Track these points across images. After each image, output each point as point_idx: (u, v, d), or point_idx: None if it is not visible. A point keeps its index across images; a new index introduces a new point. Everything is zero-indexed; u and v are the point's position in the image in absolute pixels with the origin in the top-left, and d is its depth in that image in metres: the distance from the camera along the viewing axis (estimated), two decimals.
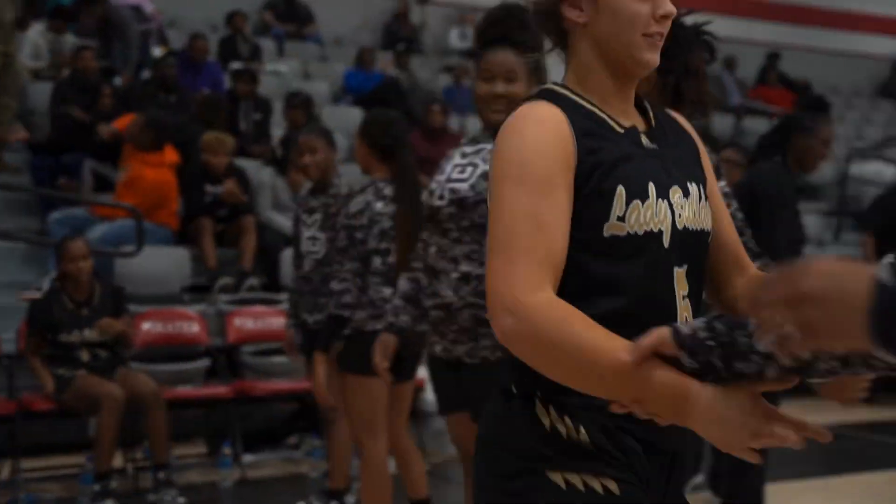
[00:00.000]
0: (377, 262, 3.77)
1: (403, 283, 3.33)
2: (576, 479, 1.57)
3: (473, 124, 8.10)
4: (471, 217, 2.93)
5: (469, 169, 2.99)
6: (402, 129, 4.00)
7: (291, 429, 6.10)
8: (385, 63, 10.80)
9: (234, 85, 8.57)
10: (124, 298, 5.36)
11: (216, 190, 7.00)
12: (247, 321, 6.26)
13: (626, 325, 1.47)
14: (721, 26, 2.81)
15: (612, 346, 1.43)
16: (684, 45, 2.45)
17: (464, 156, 3.05)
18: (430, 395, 5.91)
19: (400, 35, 11.86)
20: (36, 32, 8.78)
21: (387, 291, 3.70)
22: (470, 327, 2.93)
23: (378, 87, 10.03)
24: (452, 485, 5.42)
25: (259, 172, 7.64)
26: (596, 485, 1.57)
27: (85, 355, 5.07)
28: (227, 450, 5.47)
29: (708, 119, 2.74)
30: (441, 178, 3.05)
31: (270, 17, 11.41)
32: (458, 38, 12.29)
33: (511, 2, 2.98)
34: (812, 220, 9.92)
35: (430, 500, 4.14)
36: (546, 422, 1.60)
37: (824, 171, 11.34)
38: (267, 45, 10.86)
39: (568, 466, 1.58)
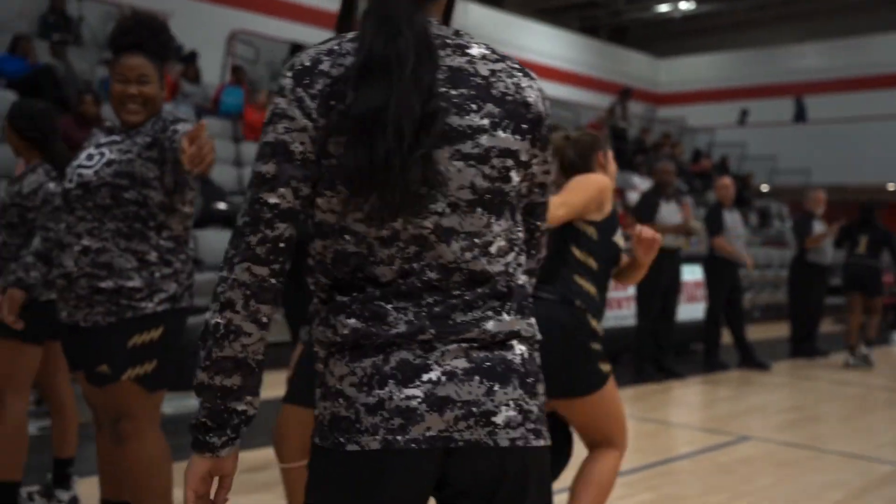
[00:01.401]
0: (37, 241, 3.63)
1: (37, 242, 3.29)
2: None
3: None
4: (93, 199, 2.97)
5: (97, 157, 3.02)
6: (50, 119, 3.84)
7: None
8: (40, 51, 10.11)
9: None
10: None
11: None
12: None
13: None
14: None
15: None
16: None
17: (97, 146, 3.07)
18: None
19: (56, 26, 11.15)
20: None
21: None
22: (86, 295, 2.96)
23: (32, 73, 9.37)
24: (92, 441, 5.26)
25: None
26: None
27: None
28: None
29: None
30: (73, 163, 3.08)
31: None
32: None
33: (143, 12, 3.08)
34: None
35: (73, 460, 4.05)
36: None
37: None
38: None
39: None
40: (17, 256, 3.63)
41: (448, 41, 1.45)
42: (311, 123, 1.39)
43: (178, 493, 3.26)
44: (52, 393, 3.97)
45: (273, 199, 1.39)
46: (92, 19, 12.04)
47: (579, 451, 3.32)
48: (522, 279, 1.49)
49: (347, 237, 1.41)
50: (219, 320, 1.41)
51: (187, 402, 6.31)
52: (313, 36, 14.27)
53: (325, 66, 1.40)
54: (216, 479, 1.48)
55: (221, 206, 8.75)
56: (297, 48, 13.54)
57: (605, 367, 3.13)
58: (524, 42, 19.82)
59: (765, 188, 20.80)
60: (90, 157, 3.03)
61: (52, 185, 3.66)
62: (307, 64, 1.41)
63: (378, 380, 1.37)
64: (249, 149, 10.79)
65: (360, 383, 1.38)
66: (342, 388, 1.40)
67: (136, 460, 3.00)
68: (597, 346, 3.11)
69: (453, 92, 1.40)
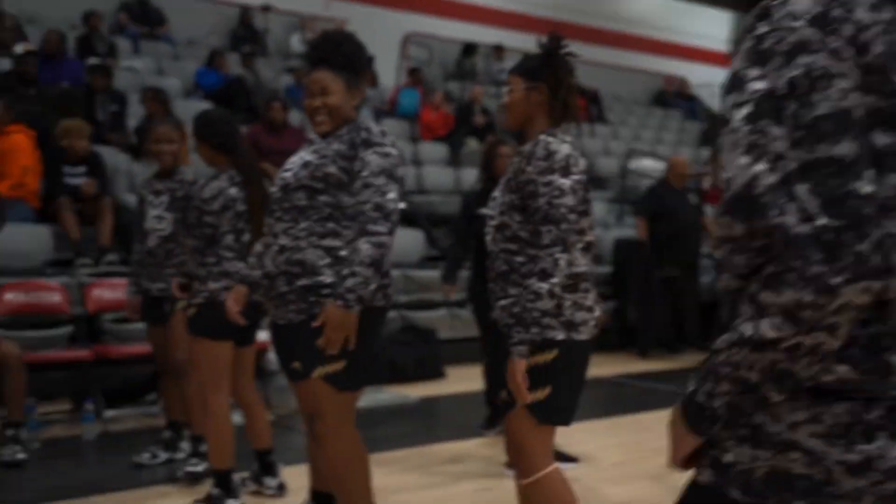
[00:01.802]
0: (229, 239, 3.83)
1: (257, 246, 3.41)
2: None
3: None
4: (290, 200, 3.04)
5: (297, 161, 3.09)
6: (230, 125, 4.01)
7: (149, 387, 6.04)
8: (232, 63, 10.67)
9: (90, 79, 8.30)
10: None
11: (75, 171, 6.83)
12: (105, 292, 6.14)
13: None
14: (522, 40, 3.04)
15: None
16: (566, 69, 2.75)
17: (302, 151, 3.15)
18: (272, 355, 5.98)
19: (245, 39, 11.74)
20: None
21: (240, 265, 3.79)
22: (284, 293, 3.02)
23: (225, 85, 9.92)
24: (295, 433, 5.52)
25: (115, 158, 7.47)
26: None
27: None
28: (89, 406, 5.38)
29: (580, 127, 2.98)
30: (281, 170, 3.18)
31: (125, 18, 11.05)
32: (298, 43, 12.25)
33: (330, 30, 3.17)
34: (599, 206, 10.48)
35: (273, 450, 4.22)
36: None
37: (610, 166, 12.02)
38: (123, 43, 10.54)
39: None
40: (215, 261, 3.84)
41: None
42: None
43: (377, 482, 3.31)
44: (238, 393, 4.14)
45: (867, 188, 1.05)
46: (276, 30, 12.61)
47: None
48: None
49: None
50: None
51: (378, 396, 6.49)
52: (486, 35, 14.36)
53: None
54: None
55: (401, 205, 8.94)
56: (469, 48, 13.68)
57: None
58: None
59: None
60: (293, 162, 3.13)
61: (233, 191, 3.84)
62: None
63: (861, 431, 1.11)
64: (426, 149, 10.98)
65: (831, 434, 1.12)
66: (796, 439, 1.14)
67: (330, 458, 3.06)
68: None
69: None
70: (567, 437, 5.07)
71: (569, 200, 2.61)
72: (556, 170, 2.62)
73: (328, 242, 2.98)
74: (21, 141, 6.71)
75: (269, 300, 3.09)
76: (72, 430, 5.48)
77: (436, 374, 7.53)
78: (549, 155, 2.64)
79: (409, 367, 7.33)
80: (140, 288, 4.64)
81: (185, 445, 4.81)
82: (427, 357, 7.50)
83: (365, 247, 2.81)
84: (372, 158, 2.92)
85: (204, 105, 9.01)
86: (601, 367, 6.90)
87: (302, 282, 2.97)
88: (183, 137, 4.50)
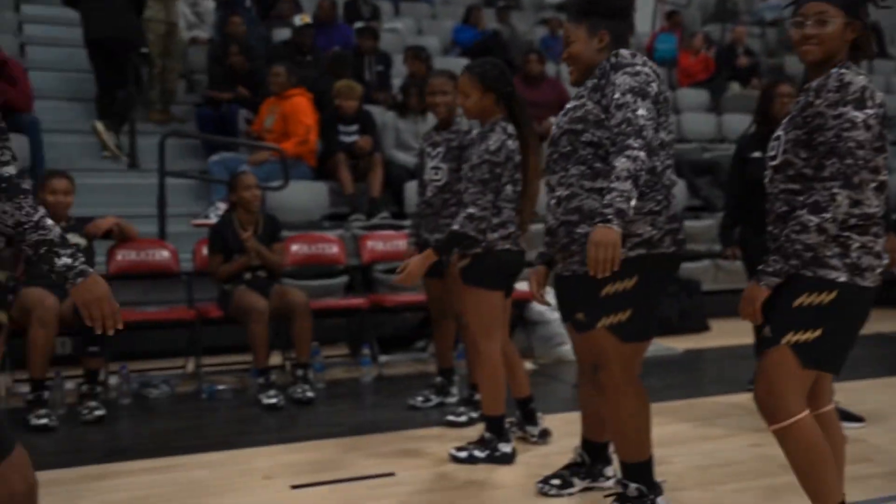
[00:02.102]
0: (509, 189, 3.87)
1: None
2: None
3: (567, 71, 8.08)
4: (557, 149, 3.01)
5: (568, 106, 3.05)
6: (509, 75, 4.02)
7: (419, 334, 6.32)
8: (488, 18, 10.79)
9: (358, 41, 8.71)
10: (279, 226, 5.55)
11: (348, 129, 7.24)
12: (377, 243, 6.46)
13: None
14: None
15: None
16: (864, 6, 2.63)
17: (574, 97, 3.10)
18: (535, 306, 6.05)
19: None
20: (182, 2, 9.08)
21: (511, 214, 3.86)
22: (566, 244, 2.99)
23: (482, 39, 10.05)
24: (558, 382, 5.59)
25: (383, 116, 7.80)
26: None
27: (247, 275, 5.33)
28: (365, 351, 5.72)
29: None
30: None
31: None
32: None
33: None
34: None
35: (532, 398, 4.27)
36: None
37: (894, 104, 10.98)
38: (385, 6, 10.96)
39: None
40: (495, 212, 3.88)
41: None
42: None
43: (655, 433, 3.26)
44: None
45: None
46: None
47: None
48: None
49: None
50: None
51: (659, 346, 6.38)
52: None
53: None
54: None
55: (666, 133, 8.69)
56: None
57: None
58: None
59: None
60: (564, 109, 3.09)
61: (510, 143, 3.85)
62: None
63: None
64: (684, 95, 10.58)
65: None
66: None
67: (612, 410, 3.02)
68: None
69: None
70: (852, 394, 4.78)
71: (860, 134, 2.43)
72: (848, 102, 2.45)
73: (599, 184, 2.90)
74: (302, 102, 7.19)
75: (555, 253, 3.08)
76: (350, 373, 5.86)
77: (700, 326, 7.33)
78: (843, 87, 2.46)
79: (672, 318, 7.19)
80: (419, 238, 4.73)
81: (455, 391, 5.00)
82: (691, 309, 7.32)
83: (619, 161, 2.68)
84: (621, 79, 2.82)
85: (462, 61, 9.20)
86: (884, 323, 6.41)
87: (581, 229, 2.93)
88: (456, 88, 4.54)
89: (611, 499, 3.15)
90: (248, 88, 7.89)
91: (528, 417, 4.28)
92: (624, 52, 2.92)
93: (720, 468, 3.80)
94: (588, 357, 3.07)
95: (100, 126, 7.53)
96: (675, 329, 7.13)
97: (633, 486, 3.06)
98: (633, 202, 2.62)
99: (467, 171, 3.88)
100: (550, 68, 9.36)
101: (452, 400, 4.97)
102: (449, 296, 4.65)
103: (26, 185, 2.02)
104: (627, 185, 2.62)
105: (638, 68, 2.84)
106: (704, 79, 10.77)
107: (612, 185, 2.63)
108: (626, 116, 2.75)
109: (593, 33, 3.01)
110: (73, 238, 5.01)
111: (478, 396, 4.51)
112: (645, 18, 12.75)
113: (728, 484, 3.59)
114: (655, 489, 3.09)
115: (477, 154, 3.87)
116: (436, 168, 4.54)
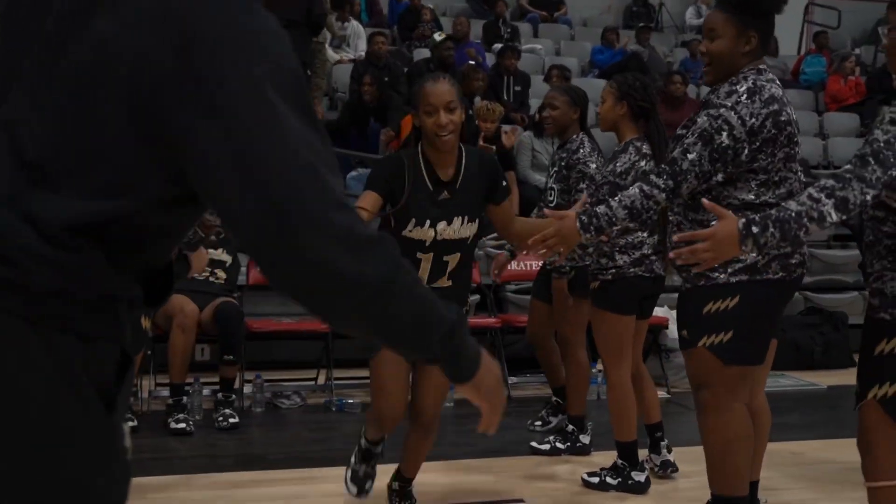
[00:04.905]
0: None
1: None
2: None
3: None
4: None
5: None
6: (654, 93, 3.88)
7: None
8: (626, 40, 10.59)
9: (499, 61, 8.66)
10: None
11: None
12: (511, 263, 6.33)
13: None
14: None
15: None
16: None
17: None
18: (671, 332, 5.80)
19: (640, 14, 11.61)
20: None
21: (644, 235, 3.69)
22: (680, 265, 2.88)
23: (623, 60, 9.81)
24: (692, 412, 5.29)
25: (519, 136, 7.70)
26: None
27: None
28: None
29: None
30: None
31: (526, 3, 11.45)
32: (693, 16, 11.86)
33: None
34: None
35: (661, 425, 4.07)
36: None
37: None
38: (524, 27, 10.90)
39: None
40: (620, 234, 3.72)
41: None
42: None
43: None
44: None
45: None
46: (671, 5, 12.30)
47: None
48: None
49: None
50: None
51: (780, 381, 6.06)
52: None
53: None
54: None
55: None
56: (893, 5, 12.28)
57: None
58: None
59: None
60: None
61: (643, 163, 3.66)
62: None
63: None
64: (832, 120, 10.05)
65: None
66: None
67: (710, 433, 2.86)
68: None
69: None
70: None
71: None
72: None
73: (701, 215, 2.78)
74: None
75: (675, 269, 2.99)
76: None
77: (845, 361, 6.87)
78: None
79: (815, 352, 6.78)
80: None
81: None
82: (835, 343, 6.88)
83: (634, 188, 2.83)
84: (702, 119, 2.76)
85: (600, 82, 9.01)
86: None
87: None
88: (572, 105, 4.34)
89: None
90: (378, 117, 7.85)
91: (653, 446, 4.08)
92: (751, 78, 2.75)
93: None
94: (692, 377, 2.94)
95: None
96: (817, 363, 6.72)
97: None
98: (615, 228, 2.92)
99: (593, 189, 3.75)
100: (691, 90, 9.06)
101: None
102: (551, 318, 4.54)
103: None
104: (622, 213, 2.77)
105: (721, 111, 2.70)
106: (854, 103, 10.21)
107: (610, 201, 2.83)
108: (674, 156, 2.75)
109: (743, 32, 2.77)
110: (220, 255, 5.09)
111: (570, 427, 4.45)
112: (792, 40, 12.23)
113: None
114: None
115: (601, 174, 3.75)
116: (550, 189, 4.40)
